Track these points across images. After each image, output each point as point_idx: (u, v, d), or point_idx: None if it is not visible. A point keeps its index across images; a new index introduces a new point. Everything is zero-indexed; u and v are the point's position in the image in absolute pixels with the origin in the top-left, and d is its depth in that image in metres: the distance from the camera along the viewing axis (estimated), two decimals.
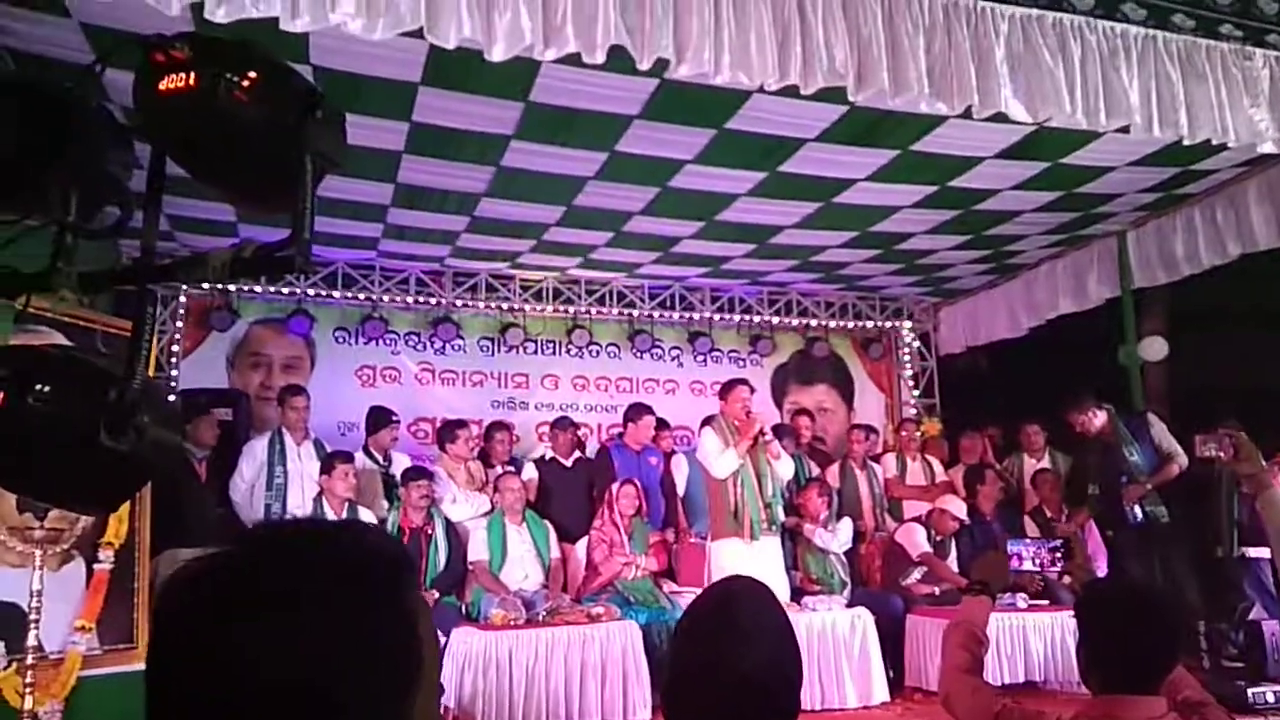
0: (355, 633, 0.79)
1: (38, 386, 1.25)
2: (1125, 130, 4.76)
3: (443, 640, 5.19)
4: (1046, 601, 6.70)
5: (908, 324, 10.24)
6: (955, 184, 6.48)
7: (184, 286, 7.74)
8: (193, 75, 1.25)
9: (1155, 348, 7.75)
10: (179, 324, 7.88)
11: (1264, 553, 6.69)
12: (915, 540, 7.13)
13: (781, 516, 6.30)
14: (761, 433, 6.04)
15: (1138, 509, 6.70)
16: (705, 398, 9.18)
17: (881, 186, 6.49)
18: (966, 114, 4.57)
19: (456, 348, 8.76)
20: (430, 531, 6.42)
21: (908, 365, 10.24)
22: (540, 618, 5.82)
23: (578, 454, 7.63)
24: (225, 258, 1.29)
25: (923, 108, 4.59)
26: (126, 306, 6.01)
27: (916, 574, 7.10)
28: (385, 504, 6.76)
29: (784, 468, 6.26)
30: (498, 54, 3.70)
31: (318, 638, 0.78)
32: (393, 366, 8.62)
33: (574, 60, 3.91)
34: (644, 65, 3.91)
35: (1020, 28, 4.47)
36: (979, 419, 9.01)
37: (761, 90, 4.61)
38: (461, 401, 8.63)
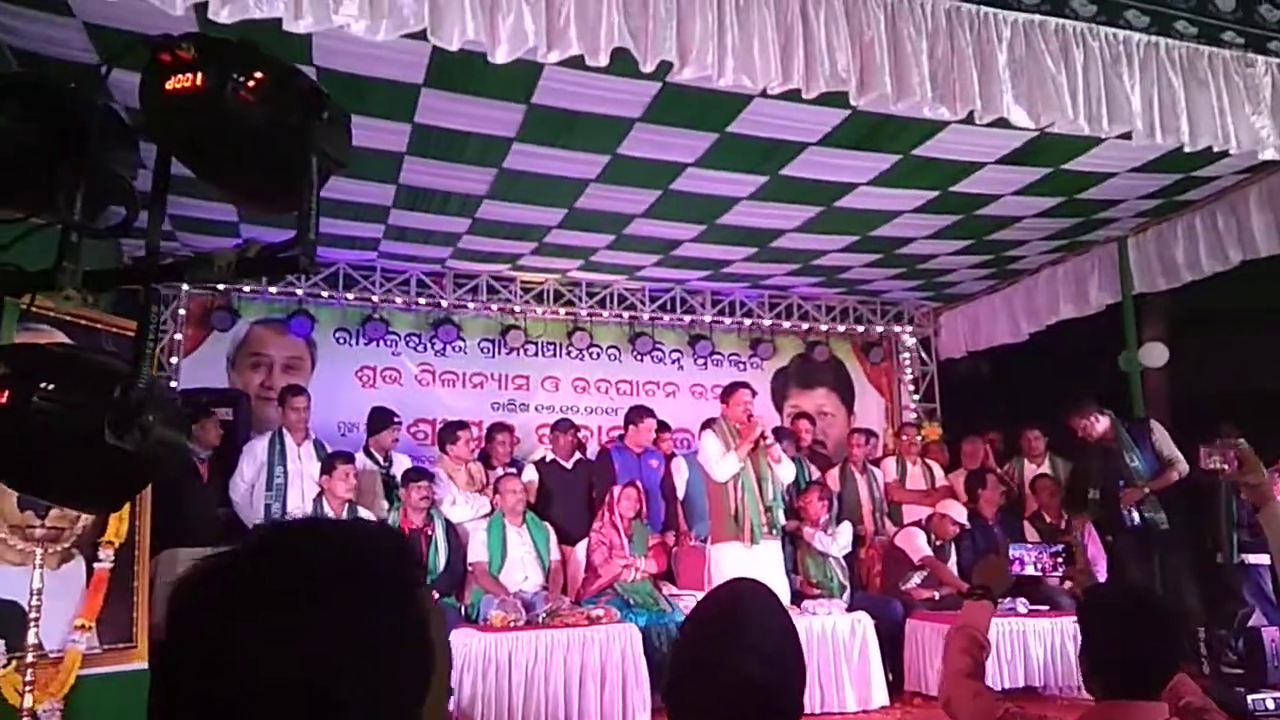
0: (365, 634, 0.80)
1: (43, 385, 1.25)
2: (1127, 136, 4.76)
3: None
4: (1046, 607, 6.70)
5: (908, 328, 10.24)
6: (957, 189, 6.49)
7: (185, 286, 7.74)
8: (199, 75, 1.26)
9: (1156, 353, 7.74)
10: (180, 324, 7.88)
11: (1264, 559, 6.69)
12: (916, 544, 7.13)
13: (782, 520, 6.29)
14: (763, 436, 6.04)
15: (1135, 513, 6.71)
16: (705, 401, 9.18)
17: (883, 191, 6.50)
18: (968, 119, 4.57)
19: (457, 349, 8.76)
20: (430, 533, 6.42)
21: (908, 370, 10.26)
22: (540, 620, 5.82)
23: (578, 456, 7.63)
24: (230, 258, 1.30)
25: (925, 112, 4.59)
26: (127, 306, 6.04)
27: (916, 578, 7.10)
28: (385, 505, 6.77)
29: (785, 471, 6.26)
30: (501, 56, 3.71)
31: (326, 638, 0.78)
32: (393, 367, 8.62)
33: (576, 63, 3.91)
34: (647, 68, 3.91)
35: (1023, 33, 4.48)
36: (979, 424, 9.01)
37: (763, 94, 4.62)
38: (462, 403, 8.63)
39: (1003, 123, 4.56)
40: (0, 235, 1.44)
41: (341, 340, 8.48)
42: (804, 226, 7.27)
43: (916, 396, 10.15)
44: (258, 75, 1.27)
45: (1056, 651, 6.34)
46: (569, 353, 9.12)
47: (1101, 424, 6.93)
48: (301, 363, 8.37)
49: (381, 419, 7.24)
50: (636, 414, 7.66)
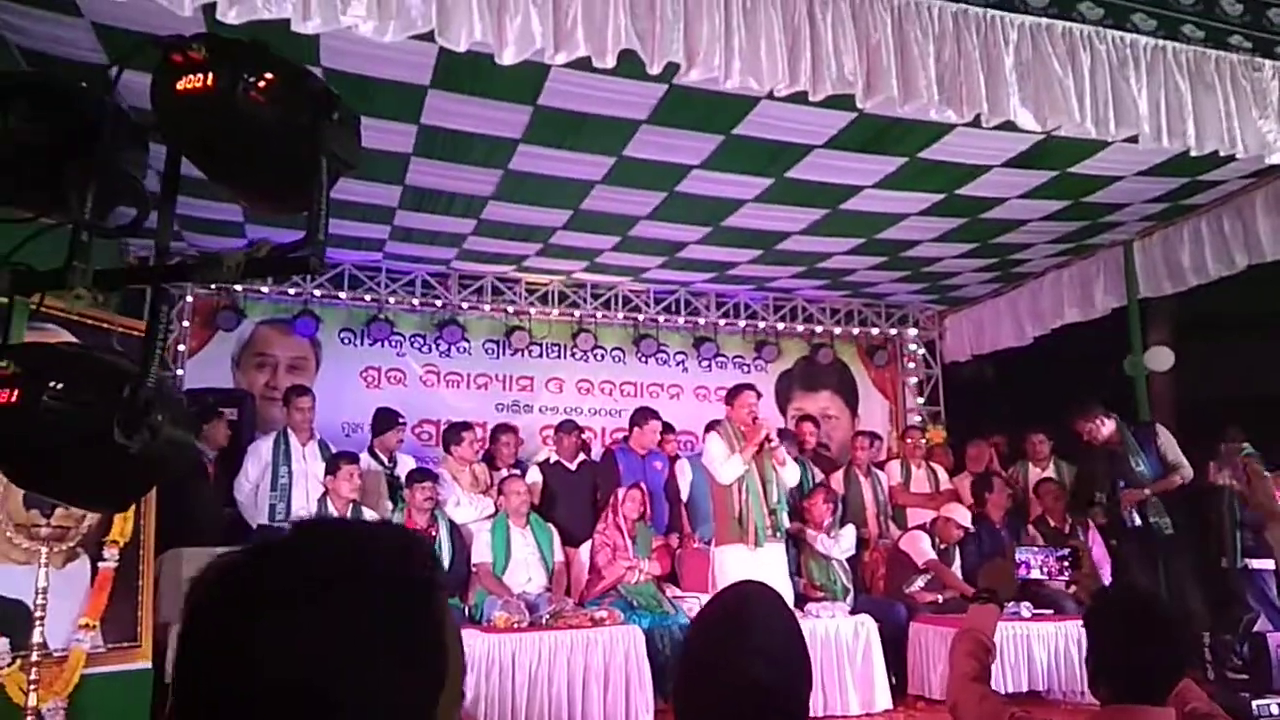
0: (377, 634, 0.79)
1: (52, 384, 1.25)
2: (1133, 140, 4.76)
3: None
4: (1050, 610, 6.69)
5: (913, 331, 10.24)
6: (962, 192, 6.49)
7: (190, 286, 7.75)
8: (210, 76, 1.26)
9: (1161, 358, 7.73)
10: (185, 323, 7.90)
11: (1268, 564, 6.68)
12: (920, 548, 7.12)
13: (786, 523, 6.29)
14: (767, 439, 6.03)
15: (1135, 514, 6.71)
16: (709, 403, 9.18)
17: (889, 194, 6.49)
18: (975, 122, 4.57)
19: (462, 350, 8.77)
20: (434, 533, 6.41)
21: (912, 373, 10.26)
22: (543, 621, 5.82)
23: (582, 457, 7.63)
24: (240, 258, 1.30)
25: (932, 115, 4.59)
26: (133, 305, 6.05)
27: (920, 581, 7.08)
28: (389, 505, 6.77)
29: (789, 474, 6.25)
30: (508, 57, 3.71)
31: (338, 637, 0.78)
32: (398, 368, 8.63)
33: (583, 64, 3.91)
34: (654, 70, 3.92)
35: (1029, 36, 4.48)
36: (983, 427, 9.00)
37: (770, 96, 4.62)
38: (466, 404, 8.63)
39: (1009, 126, 4.56)
40: (11, 235, 1.45)
41: (346, 341, 8.49)
42: (809, 229, 7.27)
43: (921, 400, 10.15)
44: (268, 76, 1.27)
45: (1060, 655, 6.32)
46: (573, 354, 9.12)
47: (1107, 427, 6.92)
48: (306, 363, 8.38)
49: (386, 420, 7.25)
50: (641, 416, 7.66)
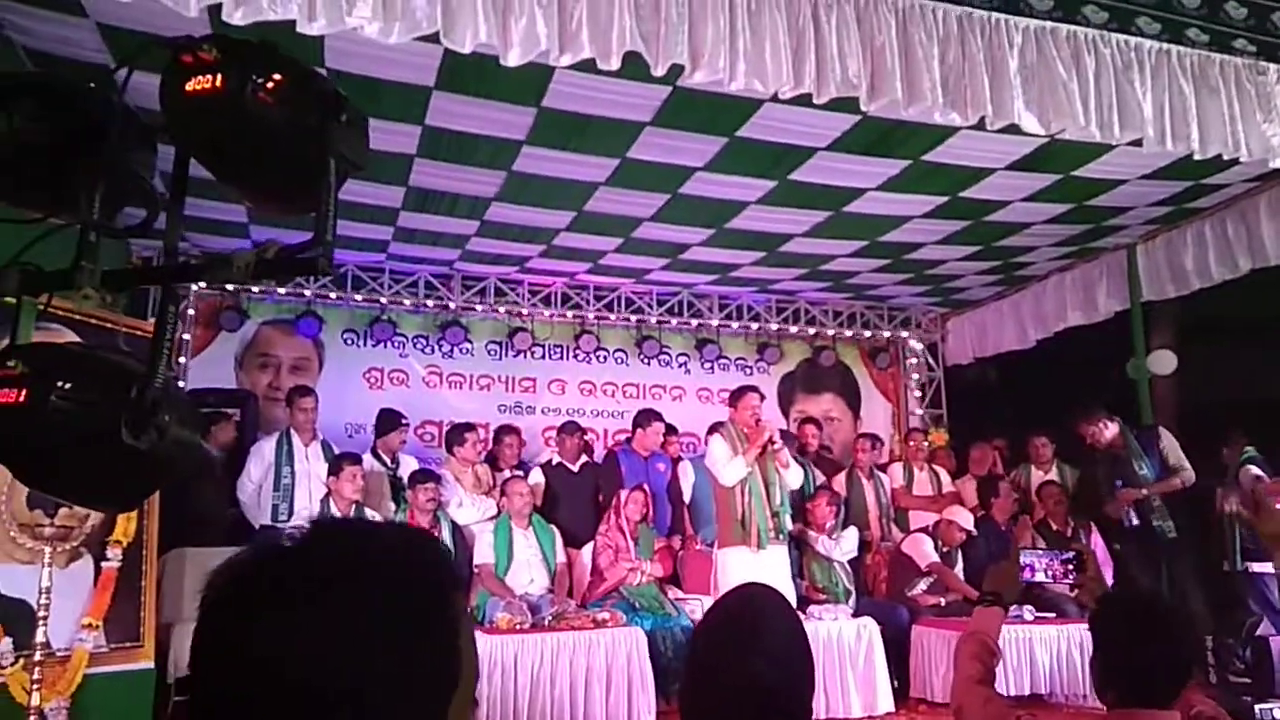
0: (378, 637, 0.79)
1: (60, 383, 1.26)
2: (1137, 143, 4.76)
3: None
4: (1053, 614, 6.68)
5: (916, 334, 10.24)
6: (966, 195, 6.49)
7: (194, 286, 7.76)
8: (219, 77, 1.26)
9: (1164, 361, 7.73)
10: (188, 324, 7.90)
11: (1268, 567, 6.68)
12: (923, 550, 7.11)
13: (789, 525, 6.28)
14: (771, 441, 6.02)
15: (1133, 514, 6.72)
16: (712, 405, 9.19)
17: (892, 196, 6.49)
18: (979, 125, 4.57)
19: (464, 351, 8.78)
20: (436, 534, 6.41)
21: (915, 375, 10.25)
22: (546, 622, 5.82)
23: (585, 459, 7.63)
24: (249, 258, 1.30)
25: (936, 118, 4.60)
26: (138, 306, 6.06)
27: (922, 584, 7.08)
28: (392, 506, 6.77)
29: (793, 476, 6.25)
30: (513, 59, 3.71)
31: (336, 639, 0.78)
32: (400, 369, 8.63)
33: (588, 66, 3.92)
34: (659, 71, 3.92)
35: (1034, 39, 4.48)
36: (986, 430, 9.00)
37: (774, 99, 4.62)
38: (468, 405, 8.63)
39: (1013, 129, 4.56)
40: (20, 235, 1.45)
41: (349, 341, 8.50)
42: (812, 231, 7.27)
43: (923, 402, 10.14)
44: (277, 77, 1.27)
45: (1063, 659, 6.31)
46: (576, 355, 9.12)
47: (1110, 431, 6.93)
48: (309, 363, 8.38)
49: (389, 420, 7.25)
50: (644, 417, 7.66)
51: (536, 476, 7.29)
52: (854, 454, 8.45)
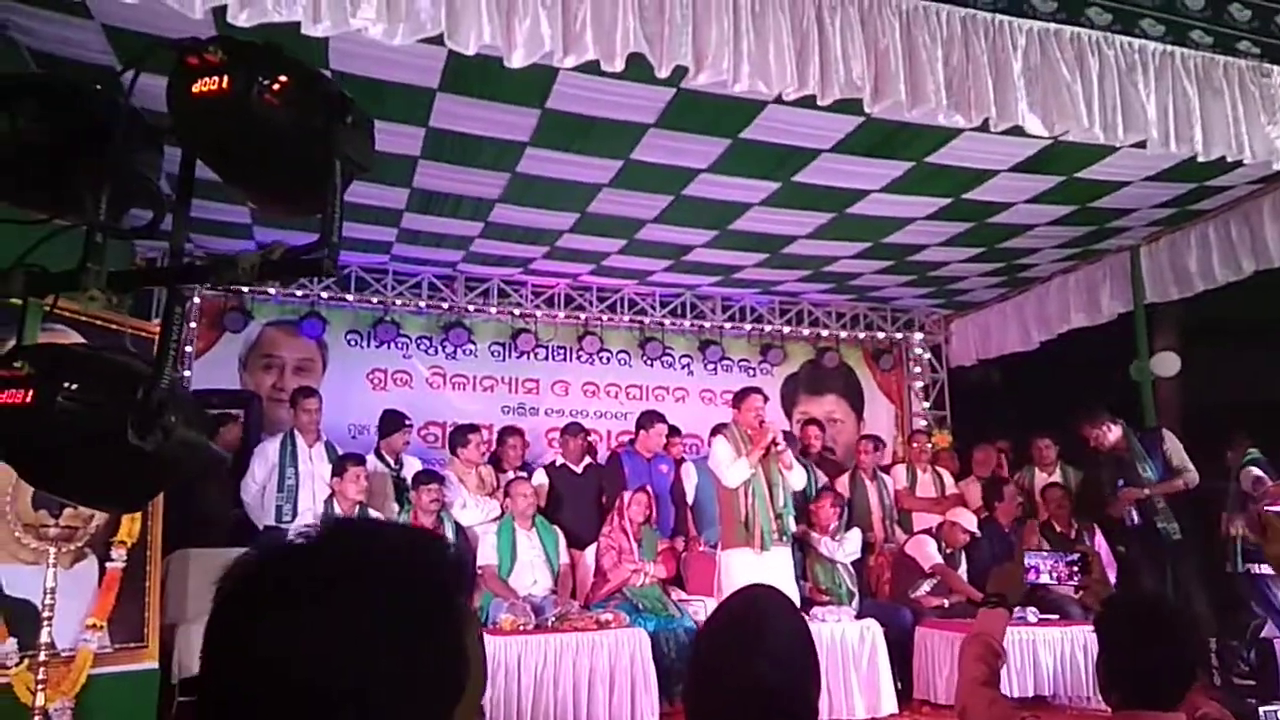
0: (379, 637, 0.79)
1: (66, 384, 1.26)
2: (1141, 145, 4.75)
3: None
4: (1056, 616, 6.67)
5: (919, 335, 10.23)
6: (969, 197, 6.48)
7: (198, 287, 7.77)
8: (226, 79, 1.27)
9: (1168, 363, 7.72)
10: (192, 325, 7.92)
11: (1270, 569, 6.67)
12: (927, 552, 7.11)
13: (793, 527, 6.28)
14: (774, 442, 6.01)
15: (1134, 514, 6.71)
16: (715, 406, 9.19)
17: (895, 198, 6.49)
18: (982, 127, 4.57)
19: (468, 352, 8.79)
20: (440, 535, 6.41)
21: (918, 377, 10.25)
22: (549, 623, 5.82)
23: (588, 460, 7.63)
24: (255, 259, 1.30)
25: (940, 120, 4.59)
26: (142, 307, 6.07)
27: (926, 586, 7.08)
28: (396, 507, 6.77)
29: (796, 478, 6.24)
30: (517, 60, 3.72)
31: (338, 639, 0.78)
32: (404, 370, 8.64)
33: (592, 68, 3.92)
34: (663, 73, 3.92)
35: (1038, 41, 4.48)
36: (989, 432, 8.99)
37: (777, 100, 4.63)
38: (472, 406, 8.63)
39: (1016, 130, 4.56)
40: (25, 236, 1.45)
41: (353, 343, 8.51)
42: (816, 233, 7.27)
43: (926, 404, 10.14)
44: (283, 79, 1.28)
45: (1066, 661, 6.30)
46: (579, 357, 9.12)
47: (1114, 433, 6.92)
48: (313, 364, 8.39)
49: (392, 421, 7.25)
50: (647, 419, 7.66)
51: (540, 478, 7.29)
52: (856, 455, 8.44)
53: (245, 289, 7.96)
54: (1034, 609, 6.59)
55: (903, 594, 7.14)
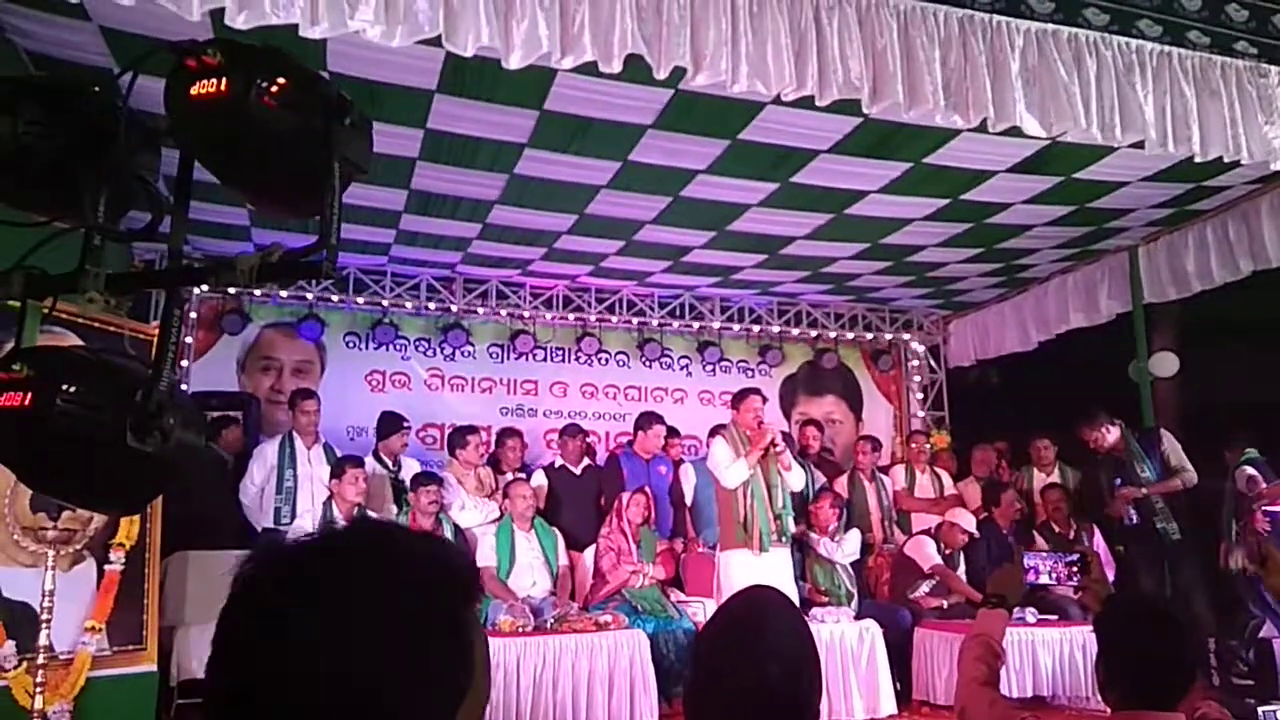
0: (411, 637, 0.81)
1: (65, 387, 1.26)
2: (1139, 146, 4.76)
3: None
4: (1055, 616, 6.68)
5: (917, 336, 10.24)
6: (967, 197, 6.49)
7: (197, 289, 7.77)
8: (224, 81, 1.27)
9: (1166, 363, 7.73)
10: (190, 327, 7.91)
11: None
12: (926, 553, 7.11)
13: (792, 528, 6.28)
14: (773, 443, 6.01)
15: (1134, 513, 6.72)
16: (713, 407, 9.19)
17: (893, 199, 6.50)
18: (980, 127, 4.57)
19: (466, 354, 8.79)
20: (438, 537, 6.41)
21: (917, 377, 10.25)
22: (548, 625, 5.82)
23: (587, 462, 7.63)
24: (253, 261, 1.30)
25: (938, 120, 4.60)
26: (139, 309, 6.07)
27: (925, 587, 7.08)
28: (394, 509, 6.77)
29: (795, 479, 6.24)
30: (515, 62, 3.72)
31: (372, 634, 0.79)
32: (402, 372, 8.64)
33: (590, 69, 3.92)
34: (661, 74, 3.92)
35: (1035, 42, 4.48)
36: (988, 433, 8.99)
37: (776, 101, 4.63)
38: (470, 407, 8.63)
39: (1014, 131, 4.56)
40: (24, 238, 1.45)
41: (351, 344, 8.50)
42: (814, 234, 7.27)
43: (925, 404, 10.14)
44: (281, 81, 1.28)
45: (1065, 661, 6.30)
46: (578, 358, 9.11)
47: (1112, 434, 6.93)
48: (311, 366, 8.39)
49: (390, 423, 7.25)
50: (646, 420, 7.66)
51: (539, 479, 7.29)
52: (854, 456, 8.45)
53: (243, 291, 7.95)
54: (1033, 609, 6.60)
55: (902, 595, 7.14)
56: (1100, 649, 2.16)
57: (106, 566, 4.47)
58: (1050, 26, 4.52)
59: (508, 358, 8.94)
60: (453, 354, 8.73)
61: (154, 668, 4.63)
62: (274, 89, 1.27)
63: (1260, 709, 5.47)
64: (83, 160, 1.42)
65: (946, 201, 6.58)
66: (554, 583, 6.60)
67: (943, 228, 7.16)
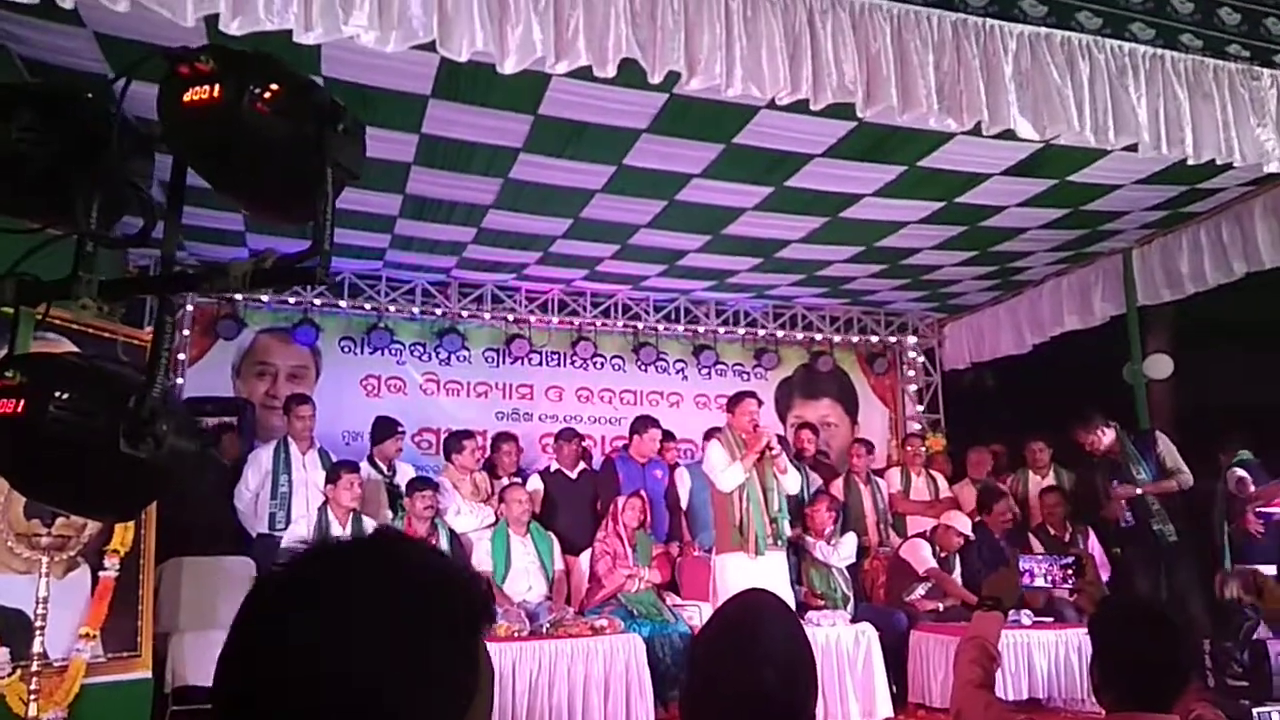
0: (405, 639, 0.81)
1: (58, 394, 1.26)
2: (1132, 149, 4.77)
3: None
4: (1051, 619, 6.68)
5: (912, 339, 10.25)
6: (962, 200, 6.50)
7: (192, 294, 7.76)
8: (217, 87, 1.27)
9: (1160, 366, 7.74)
10: (185, 332, 7.90)
11: (1261, 570, 6.68)
12: (921, 556, 7.12)
13: (787, 531, 6.28)
14: (768, 446, 6.01)
15: (1129, 514, 6.73)
16: (709, 411, 9.21)
17: (888, 202, 6.50)
18: (974, 131, 4.58)
19: (462, 358, 8.77)
20: (434, 542, 6.39)
21: (912, 380, 10.26)
22: (544, 630, 5.81)
23: (582, 465, 7.63)
24: (247, 267, 1.30)
25: (931, 124, 4.60)
26: (134, 315, 6.05)
27: (921, 589, 7.08)
28: (389, 514, 6.76)
29: (790, 482, 6.25)
30: (509, 67, 3.72)
31: (362, 637, 0.80)
32: (398, 376, 8.63)
33: (584, 74, 3.92)
34: (655, 79, 3.93)
35: (1028, 45, 4.49)
36: (983, 435, 9.00)
37: (770, 105, 4.63)
38: (466, 412, 8.63)
39: (1008, 134, 4.57)
40: (17, 245, 1.45)
41: (346, 349, 8.50)
42: (809, 237, 7.28)
43: (920, 407, 10.15)
44: (274, 87, 1.28)
45: (1061, 663, 6.32)
46: (573, 362, 9.12)
47: (1108, 437, 6.94)
48: (306, 371, 8.38)
49: (385, 428, 7.24)
50: (641, 424, 7.66)
51: (536, 483, 7.29)
52: (849, 459, 8.46)
53: (239, 296, 7.95)
54: (1029, 612, 6.60)
55: (897, 598, 7.15)
56: (1095, 651, 2.16)
57: (101, 573, 4.46)
58: (1043, 30, 4.53)
59: (503, 362, 8.94)
60: (448, 358, 8.72)
61: (149, 674, 4.62)
62: (266, 95, 1.28)
63: (1255, 710, 5.47)
64: (76, 166, 1.42)
65: (941, 205, 6.59)
66: (550, 587, 6.59)
67: (937, 231, 7.17)
